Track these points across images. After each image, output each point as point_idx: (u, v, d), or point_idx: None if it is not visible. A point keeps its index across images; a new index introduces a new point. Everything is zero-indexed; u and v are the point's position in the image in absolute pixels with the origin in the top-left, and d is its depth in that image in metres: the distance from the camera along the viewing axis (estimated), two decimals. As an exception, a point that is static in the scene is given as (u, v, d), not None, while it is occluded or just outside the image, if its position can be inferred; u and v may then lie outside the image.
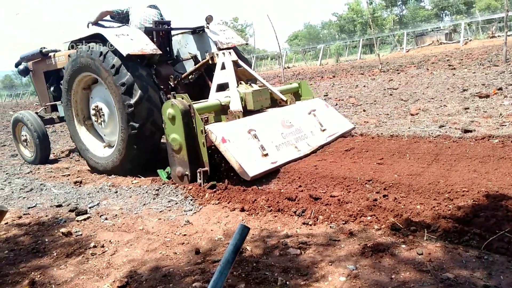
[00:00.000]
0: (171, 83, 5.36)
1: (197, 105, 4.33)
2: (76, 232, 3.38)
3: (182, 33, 5.92)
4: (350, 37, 53.38)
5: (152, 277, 2.52)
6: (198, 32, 5.79)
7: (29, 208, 4.17)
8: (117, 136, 4.78)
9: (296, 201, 3.33)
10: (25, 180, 5.36)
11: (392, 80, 12.07)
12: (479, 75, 10.44)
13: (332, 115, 5.28)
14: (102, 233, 3.34)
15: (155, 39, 5.35)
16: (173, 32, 5.80)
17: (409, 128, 5.66)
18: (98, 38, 4.75)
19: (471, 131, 4.96)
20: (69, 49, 5.46)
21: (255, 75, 5.24)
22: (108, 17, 5.44)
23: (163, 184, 4.31)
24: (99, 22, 5.25)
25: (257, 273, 2.35)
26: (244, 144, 4.06)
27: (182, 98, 4.17)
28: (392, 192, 3.24)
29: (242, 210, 3.41)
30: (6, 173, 5.89)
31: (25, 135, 6.46)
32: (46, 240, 3.31)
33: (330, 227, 2.90)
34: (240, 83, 4.98)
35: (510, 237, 2.34)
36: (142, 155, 4.72)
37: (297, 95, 5.51)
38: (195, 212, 3.58)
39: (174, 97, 4.21)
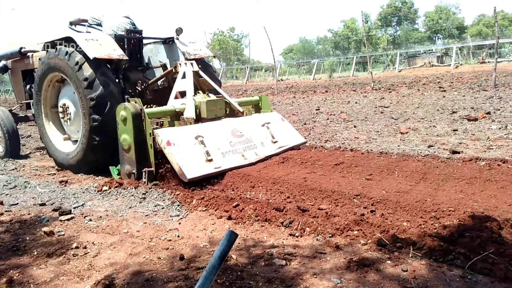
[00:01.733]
0: (138, 88, 5.73)
1: (150, 110, 4.67)
2: (59, 232, 3.31)
3: (154, 42, 6.28)
4: (344, 54, 54.11)
5: (134, 281, 2.47)
6: (168, 42, 6.15)
7: (11, 205, 4.08)
8: (81, 131, 5.03)
9: (284, 212, 3.32)
10: (9, 177, 5.25)
11: (383, 98, 12.23)
12: (468, 98, 10.64)
13: (286, 128, 5.55)
14: (85, 234, 3.28)
15: (126, 46, 5.65)
16: (146, 41, 6.14)
17: (398, 146, 5.72)
18: (70, 41, 5.03)
19: (459, 153, 5.03)
20: (43, 50, 5.73)
21: (214, 86, 5.50)
22: (86, 23, 5.93)
23: (150, 188, 4.27)
24: (77, 25, 5.82)
25: (241, 282, 2.32)
26: (188, 148, 4.34)
27: (135, 102, 4.44)
28: (379, 208, 3.26)
29: (229, 218, 3.39)
30: (-10, 169, 5.77)
31: None
32: (27, 238, 3.23)
33: (317, 239, 2.89)
34: (198, 92, 5.28)
35: (494, 258, 2.36)
36: (103, 148, 4.87)
37: (258, 107, 5.87)
38: (181, 218, 3.54)
39: (128, 101, 4.47)
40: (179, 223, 3.44)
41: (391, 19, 62.62)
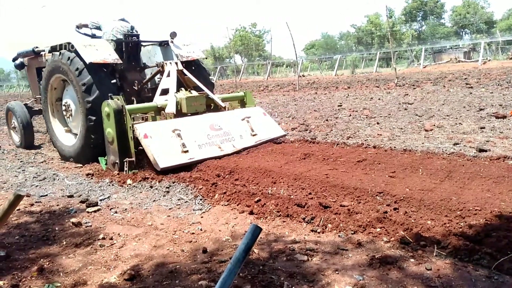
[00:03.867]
0: (135, 87, 6.21)
1: (131, 106, 5.15)
2: (86, 223, 3.42)
3: (152, 44, 6.78)
4: (367, 50, 53.27)
5: (158, 272, 2.53)
6: (163, 45, 6.67)
7: (41, 196, 4.23)
8: (79, 128, 5.53)
9: (306, 208, 3.32)
10: (38, 169, 5.44)
11: (407, 94, 12.00)
12: (496, 95, 10.32)
13: (266, 122, 5.91)
14: (111, 226, 3.37)
15: (124, 49, 6.15)
16: (145, 43, 6.65)
17: (422, 143, 5.61)
18: (71, 46, 5.53)
19: (486, 151, 4.90)
20: (49, 52, 6.24)
21: (198, 84, 5.89)
22: (89, 26, 6.60)
23: (174, 182, 4.34)
24: (82, 28, 6.49)
25: (263, 276, 2.35)
26: (164, 141, 4.73)
27: (118, 100, 4.90)
28: (403, 206, 3.22)
29: (251, 213, 3.42)
30: (21, 161, 5.99)
31: (14, 123, 7.31)
32: (56, 228, 3.35)
33: (339, 236, 2.89)
34: (181, 89, 5.66)
35: (521, 259, 2.30)
36: (98, 144, 5.28)
37: (244, 102, 6.30)
38: (204, 212, 3.60)
39: (111, 98, 4.92)
40: (202, 217, 3.50)
41: (416, 13, 61.12)
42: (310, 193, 3.66)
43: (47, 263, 2.74)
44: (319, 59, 47.06)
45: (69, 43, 5.60)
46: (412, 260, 2.48)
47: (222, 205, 3.68)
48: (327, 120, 8.38)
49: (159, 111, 5.29)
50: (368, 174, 4.06)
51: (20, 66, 7.55)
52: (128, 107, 4.93)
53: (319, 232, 2.98)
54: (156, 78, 6.28)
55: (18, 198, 1.90)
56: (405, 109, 9.16)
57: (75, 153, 5.65)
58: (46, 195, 4.29)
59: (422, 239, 2.68)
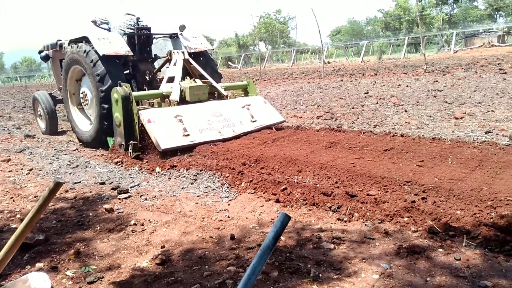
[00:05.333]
0: (147, 77, 6.61)
1: (138, 93, 5.56)
2: (118, 209, 3.55)
3: (163, 37, 7.12)
4: (395, 35, 51.76)
5: (188, 257, 2.62)
6: (173, 37, 6.98)
7: (75, 183, 4.41)
8: (94, 115, 5.97)
9: (332, 196, 3.33)
10: (71, 157, 5.65)
11: (437, 81, 11.65)
12: (532, 81, 9.89)
13: (266, 110, 6.23)
14: (142, 212, 3.49)
15: (136, 42, 6.54)
16: (156, 36, 7.03)
17: (452, 131, 5.48)
18: (87, 39, 5.91)
19: (520, 139, 4.74)
20: (68, 45, 6.63)
21: (203, 73, 6.23)
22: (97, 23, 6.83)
23: (201, 170, 4.42)
24: (97, 23, 6.76)
25: (290, 263, 2.39)
26: (167, 125, 5.13)
27: (126, 87, 5.26)
28: (431, 195, 3.18)
29: (277, 201, 3.46)
30: (54, 149, 6.23)
31: (40, 111, 7.88)
32: (90, 214, 3.50)
33: (365, 225, 2.89)
34: (186, 78, 6.03)
35: (556, 251, 2.24)
36: (110, 129, 5.67)
37: (246, 91, 6.63)
38: (231, 200, 3.66)
39: (120, 85, 5.28)
40: (229, 204, 3.56)
41: (448, -4, 58.79)
42: (336, 182, 3.66)
43: (83, 247, 2.88)
44: (345, 45, 46.21)
45: (85, 37, 5.96)
46: (440, 250, 2.46)
47: (248, 193, 3.73)
48: (353, 108, 8.28)
49: (164, 98, 5.64)
50: (395, 163, 4.01)
51: (45, 58, 7.98)
52: (134, 93, 5.31)
53: (345, 221, 2.99)
54: (166, 67, 6.54)
55: (57, 185, 1.98)
56: (435, 96, 8.92)
57: (91, 137, 6.13)
58: (80, 182, 4.47)
59: (451, 229, 2.65)
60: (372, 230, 2.80)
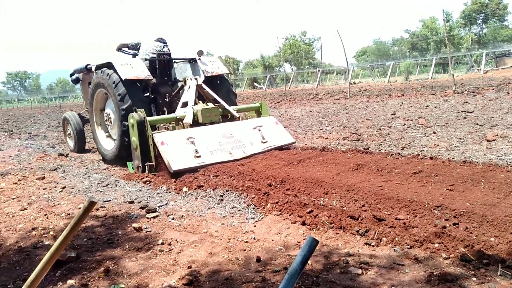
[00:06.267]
0: (167, 99, 7.01)
1: (152, 117, 5.89)
2: (146, 228, 3.62)
3: (183, 61, 7.49)
4: (422, 55, 51.22)
5: (214, 279, 2.63)
6: (192, 62, 7.37)
7: (105, 201, 4.53)
8: (116, 135, 6.36)
9: (359, 220, 3.28)
10: (102, 176, 5.82)
11: (467, 102, 11.40)
12: None
13: (277, 130, 6.42)
14: (169, 231, 3.54)
15: (157, 66, 7.02)
16: (177, 61, 7.46)
17: (484, 155, 5.32)
18: (111, 65, 6.34)
19: (557, 164, 4.55)
20: (94, 70, 7.10)
21: (215, 97, 6.53)
22: (128, 46, 7.56)
23: (227, 190, 4.46)
24: (121, 48, 7.48)
25: (317, 288, 2.36)
26: (179, 147, 5.36)
27: (141, 112, 5.64)
28: (463, 221, 3.08)
29: (303, 223, 3.43)
30: (86, 168, 6.44)
31: (69, 130, 8.35)
32: (119, 232, 3.57)
33: (394, 250, 2.83)
34: (199, 102, 6.41)
35: None
36: (130, 146, 5.96)
37: (259, 112, 6.93)
38: (256, 221, 3.67)
39: (135, 111, 5.67)
40: (255, 226, 3.57)
41: (476, 16, 57.92)
42: (363, 205, 3.61)
43: (112, 265, 2.93)
44: (371, 65, 45.99)
45: (109, 62, 6.40)
46: (474, 278, 2.37)
47: (274, 215, 3.72)
48: (380, 129, 8.19)
49: (178, 122, 5.96)
50: (424, 187, 3.93)
51: (75, 81, 8.50)
52: (149, 118, 5.69)
53: (373, 246, 2.94)
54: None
55: (91, 204, 2.05)
56: (465, 117, 8.71)
57: (113, 155, 6.50)
58: (109, 200, 4.58)
59: (484, 257, 2.56)
60: (401, 256, 2.73)
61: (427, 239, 2.85)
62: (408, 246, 2.84)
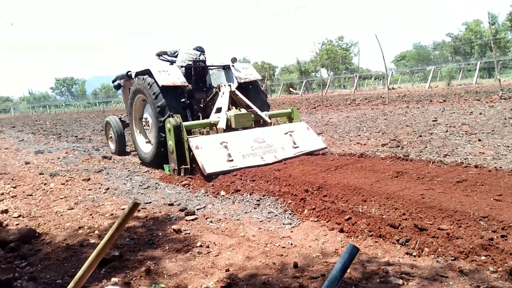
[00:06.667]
0: (202, 105, 7.26)
1: (188, 123, 6.10)
2: (185, 230, 3.70)
3: (217, 68, 7.72)
4: (465, 60, 49.21)
5: (252, 283, 2.65)
6: (226, 69, 7.56)
7: (146, 203, 4.68)
8: (154, 138, 6.62)
9: (399, 229, 3.20)
10: (143, 178, 6.02)
11: (515, 108, 10.84)
12: None
13: (309, 136, 6.50)
14: (207, 234, 3.60)
15: (192, 73, 7.27)
16: (212, 68, 7.70)
17: (535, 164, 5.04)
18: (149, 72, 6.59)
19: None
20: (134, 77, 7.47)
21: (248, 103, 6.68)
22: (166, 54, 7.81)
23: (264, 195, 4.48)
24: (161, 55, 7.75)
25: (356, 296, 2.33)
26: (212, 151, 5.57)
27: (177, 118, 5.85)
28: (512, 233, 2.94)
29: (341, 231, 3.39)
30: (128, 170, 6.69)
31: (111, 133, 8.76)
32: (160, 234, 3.68)
33: (437, 261, 2.74)
34: (232, 107, 6.61)
35: None
36: (166, 154, 6.22)
37: (291, 118, 7.02)
38: (293, 227, 3.66)
39: (172, 117, 5.92)
40: (291, 231, 3.56)
41: (525, 18, 54.91)
42: (403, 214, 3.52)
43: (153, 265, 3.03)
44: (411, 70, 44.74)
45: (148, 69, 6.66)
46: (524, 294, 2.25)
47: (311, 221, 3.70)
48: (420, 136, 7.95)
49: (212, 127, 6.19)
50: (469, 196, 3.78)
51: (117, 87, 8.92)
52: (185, 123, 5.92)
53: (414, 256, 2.85)
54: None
55: (135, 205, 2.12)
56: (513, 125, 8.29)
57: (150, 159, 6.78)
58: (150, 202, 4.73)
59: (536, 272, 2.42)
60: (445, 268, 2.64)
61: (473, 251, 2.74)
62: (452, 258, 2.74)
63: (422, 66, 48.23)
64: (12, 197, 5.30)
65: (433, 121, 9.93)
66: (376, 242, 3.14)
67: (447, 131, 8.27)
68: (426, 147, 6.80)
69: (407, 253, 2.90)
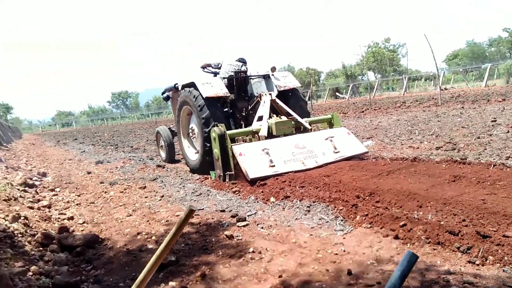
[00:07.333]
0: (244, 113, 7.56)
1: (231, 131, 6.38)
2: (237, 236, 3.77)
3: (257, 77, 7.91)
4: (526, 55, 45.90)
5: (306, 289, 2.64)
6: (266, 78, 7.76)
7: (199, 209, 4.81)
8: (199, 147, 6.97)
9: (460, 236, 3.06)
10: (195, 185, 6.20)
11: None
12: None
13: (349, 141, 6.51)
14: (259, 240, 3.64)
15: (234, 84, 7.52)
16: (253, 77, 7.89)
17: None
18: (194, 84, 6.94)
19: None
20: (181, 89, 7.74)
21: (289, 111, 6.88)
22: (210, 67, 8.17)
23: (314, 202, 4.46)
24: (205, 68, 8.13)
25: (415, 305, 2.25)
26: (255, 157, 5.78)
27: (221, 127, 6.09)
28: None
29: (396, 237, 3.30)
30: (181, 178, 6.92)
31: (162, 142, 9.19)
32: (213, 240, 3.77)
33: (503, 270, 2.58)
34: (273, 115, 6.81)
35: None
36: (210, 162, 6.50)
37: (331, 124, 7.09)
38: (345, 233, 3.61)
39: (217, 126, 6.18)
40: (344, 238, 3.51)
41: None
42: (463, 220, 3.35)
43: (208, 270, 3.11)
44: (464, 69, 42.52)
45: (193, 82, 7.01)
46: None
47: (364, 227, 3.63)
48: (478, 138, 7.53)
49: (254, 134, 6.42)
50: (537, 201, 3.52)
51: (166, 98, 9.33)
52: (228, 132, 6.17)
53: (477, 264, 2.71)
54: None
55: (191, 212, 2.22)
56: None
57: (196, 166, 7.13)
58: (203, 209, 4.86)
59: None
60: (512, 277, 2.49)
61: (543, 259, 2.56)
62: (520, 267, 2.57)
63: (477, 64, 45.64)
64: (77, 204, 5.68)
65: (492, 121, 9.37)
66: (434, 249, 3.02)
67: (508, 131, 7.77)
68: (485, 149, 6.43)
69: (469, 262, 2.76)
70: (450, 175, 4.62)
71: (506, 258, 2.67)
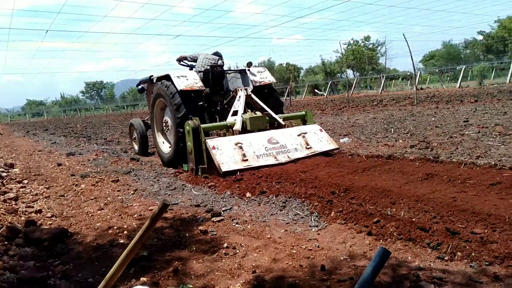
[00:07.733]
0: (219, 108, 7.60)
1: (206, 125, 6.38)
2: (212, 231, 3.73)
3: (234, 72, 8.01)
4: (498, 58, 47.49)
5: (278, 285, 2.63)
6: (242, 73, 7.87)
7: (173, 204, 4.74)
8: (172, 139, 7.00)
9: (430, 232, 3.11)
10: (170, 179, 6.11)
11: (552, 108, 10.37)
12: None
13: (322, 137, 6.70)
14: (234, 236, 3.61)
15: (210, 77, 7.55)
16: (229, 72, 7.96)
17: None
18: (168, 77, 6.99)
19: None
20: (156, 81, 7.72)
21: (263, 106, 7.02)
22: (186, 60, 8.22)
23: (290, 197, 4.46)
24: (181, 60, 8.17)
25: (385, 301, 2.27)
26: (228, 151, 5.84)
27: (196, 120, 6.15)
28: (551, 239, 2.80)
29: (369, 234, 3.33)
30: (155, 172, 6.80)
31: (135, 135, 9.20)
32: (187, 235, 3.72)
33: (470, 266, 2.64)
34: (248, 110, 6.90)
35: None
36: (184, 150, 6.50)
37: (305, 120, 7.24)
38: (320, 229, 3.62)
39: (191, 119, 6.22)
40: (318, 234, 3.53)
41: None
42: (434, 217, 3.42)
43: (181, 266, 3.06)
44: (440, 70, 43.60)
45: (168, 75, 7.04)
46: None
47: (338, 224, 3.66)
48: (451, 137, 7.72)
49: (228, 129, 6.48)
50: (504, 200, 3.63)
51: (141, 90, 9.28)
52: (203, 126, 6.20)
53: (446, 260, 2.77)
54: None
55: (165, 206, 2.16)
56: (550, 125, 7.93)
57: (170, 158, 7.12)
58: (177, 203, 4.79)
59: None
60: (479, 273, 2.55)
61: (509, 256, 2.63)
62: (487, 263, 2.64)
63: (452, 66, 46.88)
64: (46, 197, 5.50)
65: (464, 121, 9.63)
66: (405, 245, 3.06)
67: (479, 132, 8.00)
68: (457, 148, 6.60)
69: (438, 258, 2.81)
70: (423, 173, 4.71)
71: (473, 254, 2.73)
